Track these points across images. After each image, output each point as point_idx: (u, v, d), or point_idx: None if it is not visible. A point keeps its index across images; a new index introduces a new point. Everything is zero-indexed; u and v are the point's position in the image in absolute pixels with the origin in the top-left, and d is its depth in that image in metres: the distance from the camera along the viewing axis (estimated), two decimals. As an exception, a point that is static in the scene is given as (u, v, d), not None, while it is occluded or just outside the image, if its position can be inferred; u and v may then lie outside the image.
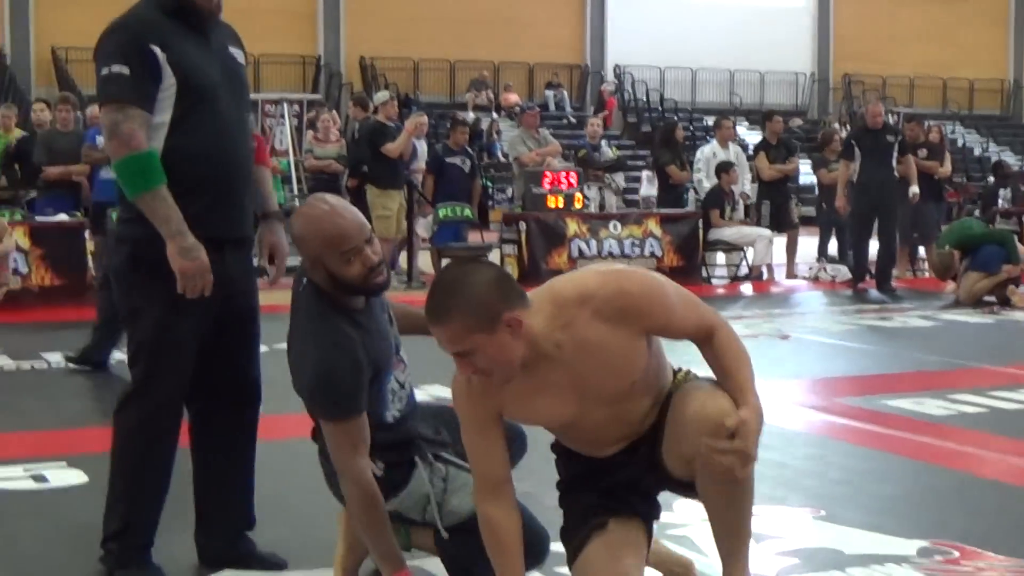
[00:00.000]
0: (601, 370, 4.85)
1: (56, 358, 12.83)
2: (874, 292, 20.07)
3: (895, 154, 20.59)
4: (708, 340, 4.92)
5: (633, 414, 5.00)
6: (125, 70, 5.63)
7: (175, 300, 5.64)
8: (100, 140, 18.90)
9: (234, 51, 6.12)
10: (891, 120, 31.37)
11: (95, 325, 12.59)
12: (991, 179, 33.47)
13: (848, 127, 34.77)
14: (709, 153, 23.00)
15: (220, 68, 5.94)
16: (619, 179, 24.14)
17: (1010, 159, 39.48)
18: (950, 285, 18.98)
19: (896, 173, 20.58)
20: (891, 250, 20.47)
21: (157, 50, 5.66)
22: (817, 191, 24.62)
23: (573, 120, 37.65)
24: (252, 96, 6.17)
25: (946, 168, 22.40)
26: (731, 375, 4.89)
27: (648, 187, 22.90)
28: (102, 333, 12.38)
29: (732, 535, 5.07)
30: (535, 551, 5.53)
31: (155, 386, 5.83)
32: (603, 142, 26.36)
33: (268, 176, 6.59)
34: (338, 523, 5.87)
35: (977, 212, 25.31)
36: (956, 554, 6.35)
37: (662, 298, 4.84)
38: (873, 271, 20.87)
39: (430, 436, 5.81)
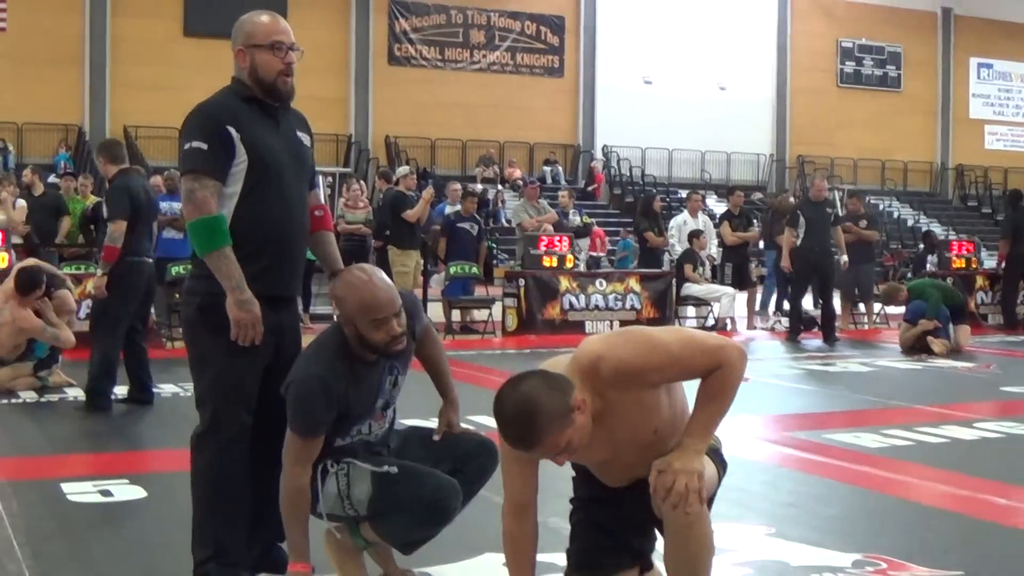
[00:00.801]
0: (625, 424, 4.82)
1: (122, 391, 12.80)
2: (819, 342, 20.07)
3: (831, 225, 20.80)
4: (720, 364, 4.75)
5: (660, 455, 4.84)
6: (204, 146, 5.72)
7: (236, 348, 5.72)
8: (164, 206, 19.13)
9: (301, 135, 6.19)
10: (837, 195, 31.42)
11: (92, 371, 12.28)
12: (921, 246, 33.45)
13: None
14: (681, 221, 23.14)
15: (286, 148, 6.01)
16: (584, 243, 24.18)
17: (937, 230, 39.51)
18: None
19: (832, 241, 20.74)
20: (831, 307, 20.47)
21: (232, 130, 5.76)
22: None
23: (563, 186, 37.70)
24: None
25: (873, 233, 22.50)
26: (693, 415, 4.80)
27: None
28: (100, 375, 12.17)
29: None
30: (437, 508, 5.74)
31: (223, 425, 5.86)
32: (571, 211, 26.41)
33: (333, 240, 6.62)
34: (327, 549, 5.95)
35: (909, 274, 25.25)
36: (884, 566, 6.37)
37: (659, 357, 4.70)
38: (810, 324, 20.96)
39: (342, 447, 5.85)
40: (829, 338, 20.05)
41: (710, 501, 4.90)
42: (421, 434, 6.28)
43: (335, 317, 6.01)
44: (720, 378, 4.69)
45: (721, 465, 5.07)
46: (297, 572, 5.55)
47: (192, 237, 5.77)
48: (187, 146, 5.77)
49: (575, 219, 25.67)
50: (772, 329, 22.21)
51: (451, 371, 6.34)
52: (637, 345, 4.72)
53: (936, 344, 18.02)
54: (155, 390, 12.56)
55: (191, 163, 5.74)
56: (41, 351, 13.63)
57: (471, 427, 6.18)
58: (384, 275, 5.81)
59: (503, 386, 4.60)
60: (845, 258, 21.50)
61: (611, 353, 4.68)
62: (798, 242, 20.24)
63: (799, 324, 20.75)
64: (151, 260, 12.42)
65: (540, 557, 6.41)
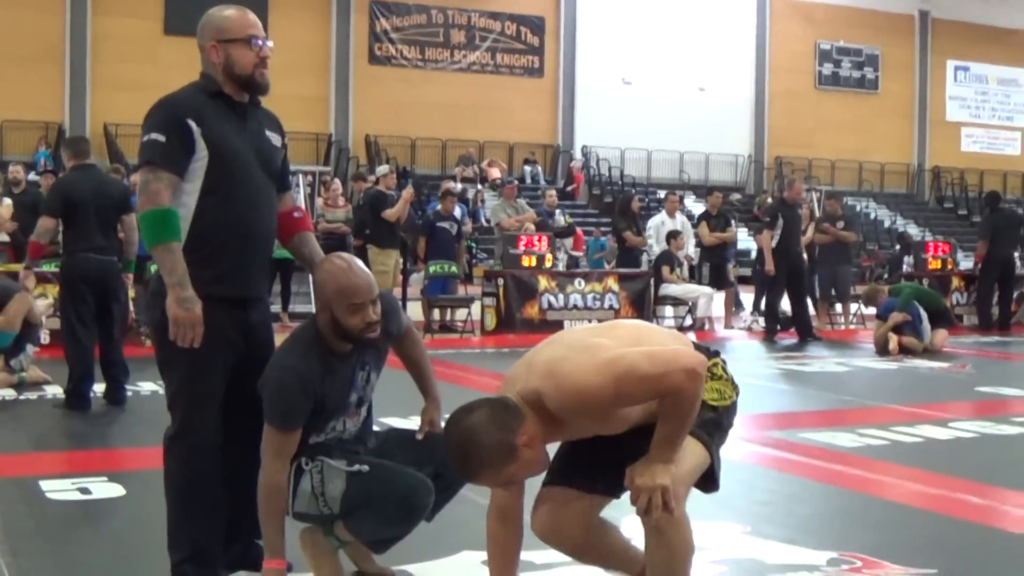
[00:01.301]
0: (597, 427, 4.85)
1: (102, 388, 12.77)
2: (796, 341, 20.12)
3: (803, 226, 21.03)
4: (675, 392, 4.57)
5: (646, 429, 4.82)
6: (162, 138, 5.67)
7: (208, 349, 5.68)
8: (141, 203, 19.02)
9: (271, 134, 6.14)
10: (814, 196, 31.48)
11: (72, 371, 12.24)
12: (898, 247, 33.55)
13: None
14: (659, 222, 23.20)
15: (252, 146, 5.96)
16: (568, 243, 24.16)
17: (913, 231, 39.64)
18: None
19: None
20: (805, 306, 20.55)
21: (193, 124, 5.70)
22: (754, 254, 24.69)
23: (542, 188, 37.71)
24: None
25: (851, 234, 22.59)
26: (657, 429, 4.66)
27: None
28: (75, 376, 12.12)
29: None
30: (409, 506, 5.73)
31: (194, 427, 5.85)
32: (557, 211, 26.44)
33: (314, 240, 6.60)
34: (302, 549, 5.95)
35: (886, 275, 25.32)
36: (859, 564, 6.38)
37: (598, 397, 4.57)
38: (786, 324, 21.03)
39: (317, 444, 5.85)
40: (805, 337, 20.12)
41: (709, 478, 4.92)
42: (403, 436, 6.29)
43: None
44: (671, 403, 4.60)
45: (711, 439, 4.91)
46: (272, 570, 5.55)
47: (141, 228, 5.72)
48: (146, 138, 5.72)
49: (560, 219, 25.70)
50: (750, 329, 22.23)
51: (433, 370, 6.32)
52: (575, 387, 4.57)
53: (893, 342, 18.02)
54: (135, 388, 12.52)
55: (148, 155, 5.68)
56: (4, 341, 13.56)
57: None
58: (362, 264, 5.87)
59: (454, 413, 4.61)
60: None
61: (552, 391, 4.62)
62: (774, 243, 20.33)
63: (775, 324, 20.82)
64: (99, 257, 12.17)
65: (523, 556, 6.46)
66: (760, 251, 21.94)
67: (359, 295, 5.58)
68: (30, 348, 13.79)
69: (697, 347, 5.00)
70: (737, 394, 5.05)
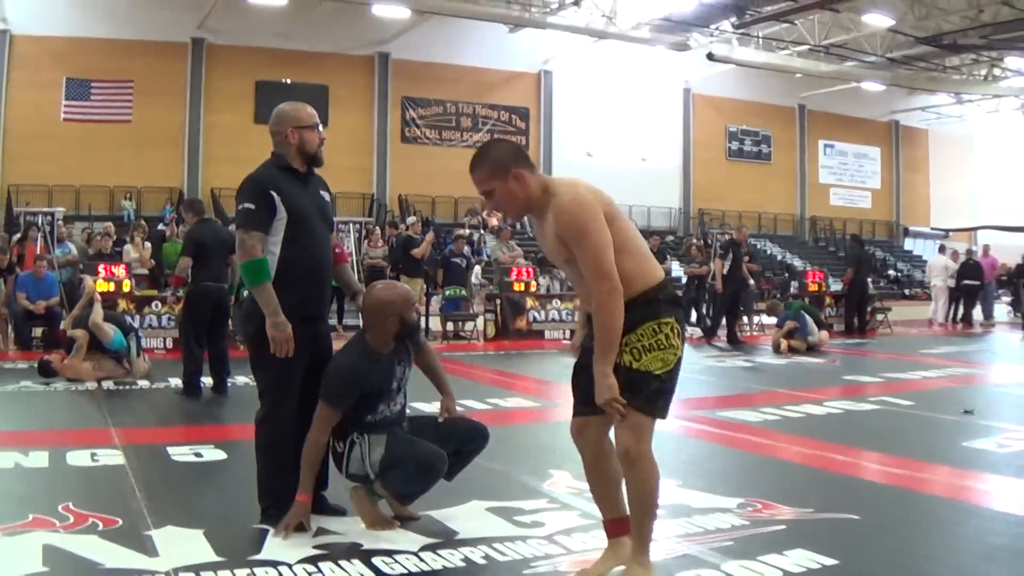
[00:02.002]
0: (546, 240, 4.88)
1: (209, 381, 12.71)
2: (719, 344, 20.12)
3: (748, 260, 21.35)
4: (596, 286, 4.62)
5: (580, 287, 4.89)
6: (252, 206, 5.83)
7: (287, 355, 5.79)
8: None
9: (324, 194, 6.27)
10: (725, 238, 31.49)
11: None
12: (786, 275, 33.57)
13: (704, 241, 34.82)
14: (613, 257, 23.17)
15: (314, 205, 6.10)
16: (562, 273, 23.97)
17: (797, 263, 39.62)
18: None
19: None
20: (741, 319, 20.64)
21: (274, 193, 5.85)
22: (684, 280, 24.78)
23: (531, 235, 37.55)
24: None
25: (754, 265, 22.63)
26: (594, 351, 4.67)
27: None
28: (187, 371, 12.21)
29: (632, 506, 4.90)
30: (427, 467, 5.91)
31: (279, 411, 5.94)
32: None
33: (349, 269, 6.79)
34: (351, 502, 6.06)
35: (778, 295, 25.39)
36: (760, 506, 6.40)
37: (580, 235, 4.62)
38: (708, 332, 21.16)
39: (371, 422, 5.98)
40: (734, 341, 20.21)
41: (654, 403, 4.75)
42: (430, 422, 6.28)
43: (361, 326, 6.14)
44: (595, 308, 4.64)
45: (655, 408, 4.76)
46: (300, 502, 5.71)
47: (243, 274, 5.90)
48: (240, 206, 5.90)
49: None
50: (690, 337, 22.25)
51: (445, 370, 6.52)
52: (577, 217, 4.66)
53: (796, 342, 18.20)
54: (232, 380, 12.49)
55: (243, 219, 5.86)
56: (120, 344, 13.57)
57: (464, 411, 6.20)
58: (402, 284, 6.18)
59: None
60: (752, 283, 22.06)
61: (566, 203, 4.71)
62: (725, 270, 20.56)
63: (716, 329, 20.93)
64: (216, 284, 12.25)
65: (512, 503, 6.47)
66: (689, 278, 22.09)
67: (412, 296, 6.00)
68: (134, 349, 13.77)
69: (670, 300, 4.88)
70: (683, 350, 4.85)
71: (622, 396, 4.66)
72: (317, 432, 5.77)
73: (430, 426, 6.24)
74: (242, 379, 13.04)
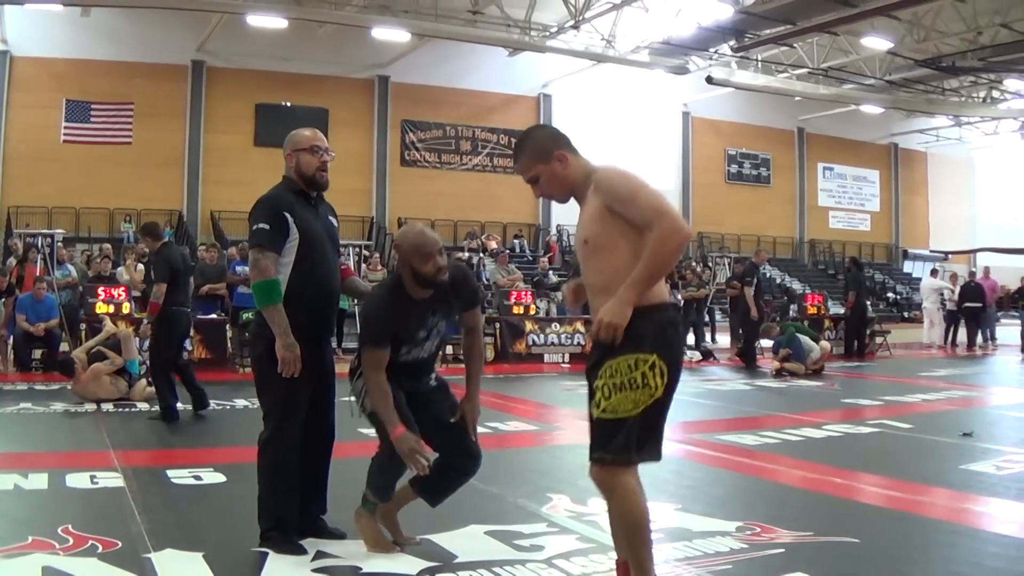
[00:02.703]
0: (583, 220, 4.75)
1: (209, 403, 12.76)
2: (714, 368, 20.12)
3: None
4: (648, 232, 4.39)
5: (587, 274, 4.72)
6: (266, 227, 5.86)
7: (295, 377, 5.80)
8: (239, 269, 19.23)
9: (331, 218, 6.33)
10: (726, 263, 31.52)
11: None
12: (785, 298, 33.56)
13: (703, 265, 34.87)
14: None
15: (324, 228, 6.15)
16: (559, 295, 24.05)
17: (796, 286, 39.60)
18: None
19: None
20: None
21: (287, 215, 5.90)
22: (683, 304, 24.81)
23: (530, 259, 37.61)
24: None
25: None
26: (632, 274, 4.41)
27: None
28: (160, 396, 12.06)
29: (617, 537, 4.70)
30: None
31: (283, 434, 5.94)
32: (550, 272, 26.48)
33: (358, 278, 6.93)
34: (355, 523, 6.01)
35: (777, 317, 25.41)
36: (758, 529, 6.42)
37: (634, 189, 4.51)
38: (706, 355, 21.12)
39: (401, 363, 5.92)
40: (751, 365, 20.17)
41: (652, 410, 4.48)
42: (449, 403, 6.13)
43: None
44: (650, 241, 4.36)
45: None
46: (401, 433, 5.66)
47: (255, 294, 5.90)
48: (254, 227, 5.91)
49: (552, 278, 25.73)
50: (689, 360, 22.21)
51: (480, 376, 6.29)
52: (624, 177, 4.63)
53: (792, 366, 18.21)
54: (230, 403, 12.50)
55: (257, 239, 5.88)
56: (133, 367, 13.75)
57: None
58: (429, 229, 5.98)
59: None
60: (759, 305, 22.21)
61: (612, 173, 4.69)
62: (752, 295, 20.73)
63: (754, 356, 20.90)
64: (186, 309, 12.30)
65: (512, 526, 6.48)
66: (686, 301, 22.13)
67: (429, 246, 5.67)
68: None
69: (662, 330, 4.53)
70: (662, 391, 4.47)
71: (594, 444, 4.50)
72: (373, 376, 5.72)
73: (444, 404, 6.12)
74: (241, 402, 13.08)
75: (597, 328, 4.45)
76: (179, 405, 12.08)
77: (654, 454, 4.58)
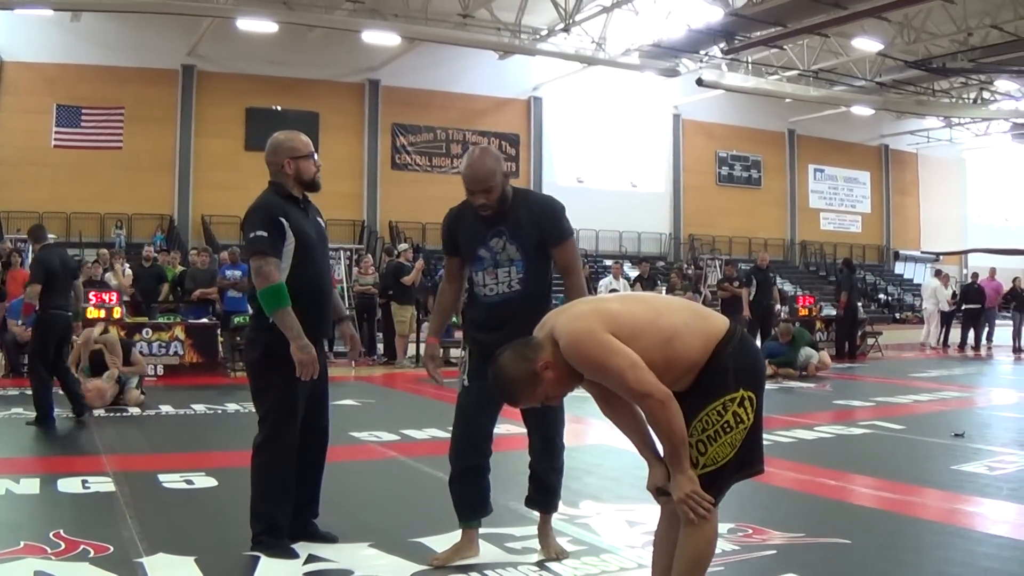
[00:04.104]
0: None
1: (201, 408, 12.77)
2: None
3: (774, 285, 21.43)
4: (639, 406, 4.21)
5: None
6: (264, 233, 5.84)
7: (291, 381, 5.78)
8: (229, 273, 19.24)
9: (320, 220, 6.33)
10: (717, 265, 31.59)
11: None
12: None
13: (694, 268, 34.93)
14: (608, 282, 23.23)
15: (316, 231, 6.17)
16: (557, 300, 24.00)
17: (788, 288, 39.60)
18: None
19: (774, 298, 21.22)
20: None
21: (283, 220, 5.89)
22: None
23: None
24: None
25: (743, 290, 22.45)
26: (664, 452, 4.23)
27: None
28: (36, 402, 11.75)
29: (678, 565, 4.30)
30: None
31: (279, 439, 5.92)
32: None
33: (337, 294, 6.79)
34: None
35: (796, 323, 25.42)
36: (751, 531, 6.43)
37: (599, 375, 4.18)
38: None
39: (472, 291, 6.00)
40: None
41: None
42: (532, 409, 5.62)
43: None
44: (655, 426, 4.18)
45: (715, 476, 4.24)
46: (430, 343, 6.10)
47: (262, 300, 5.85)
48: (252, 234, 5.88)
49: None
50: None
51: (582, 292, 5.81)
52: (595, 357, 4.13)
53: (786, 372, 18.27)
54: (222, 408, 12.47)
55: (258, 246, 5.85)
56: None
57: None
58: (492, 158, 5.86)
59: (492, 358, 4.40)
60: (779, 307, 22.12)
61: (572, 350, 4.17)
62: (751, 297, 20.69)
63: None
64: (64, 312, 11.90)
65: (499, 529, 6.47)
66: (724, 302, 22.19)
67: (470, 184, 5.72)
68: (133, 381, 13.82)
69: (733, 361, 4.26)
70: (754, 418, 4.28)
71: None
72: (443, 285, 6.11)
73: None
74: (232, 406, 13.06)
75: (683, 509, 4.20)
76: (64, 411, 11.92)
77: (757, 470, 4.44)
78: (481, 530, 6.29)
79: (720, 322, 4.38)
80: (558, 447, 5.99)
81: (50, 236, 12.60)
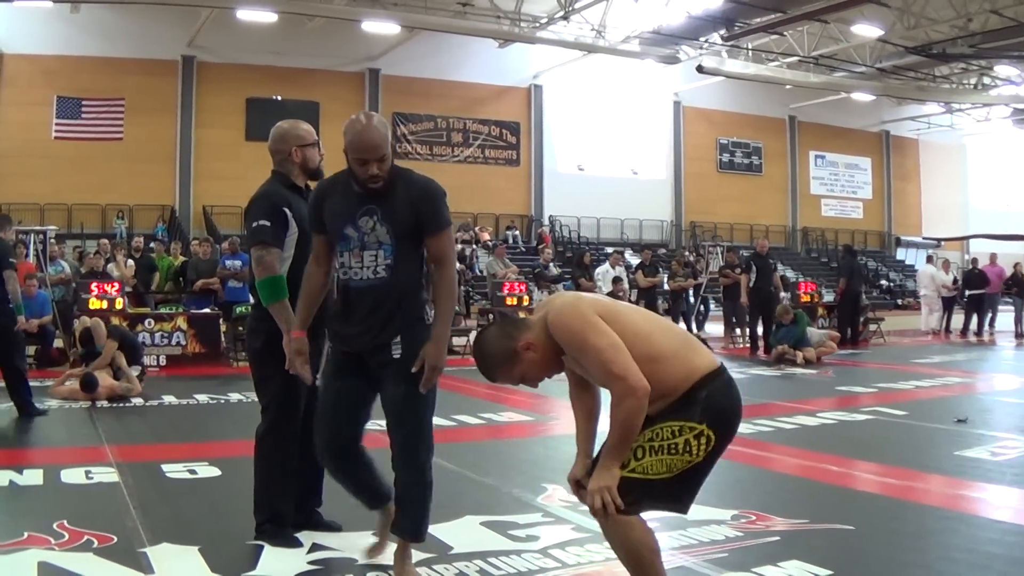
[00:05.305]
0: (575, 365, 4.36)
1: (203, 398, 12.77)
2: (762, 358, 20.10)
3: (775, 271, 21.36)
4: (610, 389, 4.13)
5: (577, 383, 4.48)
6: (267, 223, 5.79)
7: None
8: (229, 263, 19.22)
9: None
10: (719, 252, 31.55)
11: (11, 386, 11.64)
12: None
13: (695, 255, 34.91)
14: (604, 270, 23.32)
15: None
16: (560, 287, 24.04)
17: (790, 274, 39.52)
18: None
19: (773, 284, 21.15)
20: (769, 330, 20.44)
21: (286, 210, 5.85)
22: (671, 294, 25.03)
23: (523, 250, 37.61)
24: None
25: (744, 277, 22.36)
26: (606, 439, 4.20)
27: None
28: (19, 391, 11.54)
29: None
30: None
31: (282, 428, 5.90)
32: (551, 264, 26.48)
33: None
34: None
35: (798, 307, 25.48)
36: (754, 517, 6.44)
37: (580, 353, 4.15)
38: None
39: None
40: (768, 352, 20.00)
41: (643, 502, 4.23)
42: (404, 388, 5.20)
43: None
44: (615, 411, 4.08)
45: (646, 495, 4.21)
46: (296, 337, 5.37)
47: (260, 291, 5.80)
48: (255, 224, 5.83)
49: (553, 270, 25.76)
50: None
51: (448, 314, 5.33)
52: (576, 330, 4.14)
53: (799, 355, 18.32)
54: (224, 397, 12.46)
55: (260, 236, 5.79)
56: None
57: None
58: (379, 124, 5.26)
59: (477, 333, 4.34)
60: (784, 294, 22.08)
61: (556, 323, 4.19)
62: (751, 284, 20.64)
63: (755, 346, 21.01)
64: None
65: (507, 517, 6.47)
66: (725, 288, 22.17)
67: (365, 151, 5.09)
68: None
69: (711, 400, 4.24)
70: (703, 460, 4.24)
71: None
72: (310, 266, 5.46)
73: (386, 404, 5.28)
74: (235, 396, 13.06)
75: (591, 501, 4.20)
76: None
77: (680, 507, 4.38)
78: (484, 517, 6.31)
79: (709, 360, 4.35)
80: (422, 456, 5.29)
81: (50, 228, 12.33)
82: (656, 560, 4.29)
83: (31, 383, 11.84)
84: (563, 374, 4.51)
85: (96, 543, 5.88)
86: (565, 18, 33.25)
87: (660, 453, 4.18)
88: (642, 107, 44.09)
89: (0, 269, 11.30)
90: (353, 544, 5.80)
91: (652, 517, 4.34)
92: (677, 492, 4.28)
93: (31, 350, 17.25)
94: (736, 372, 16.80)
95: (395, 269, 5.16)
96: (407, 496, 5.21)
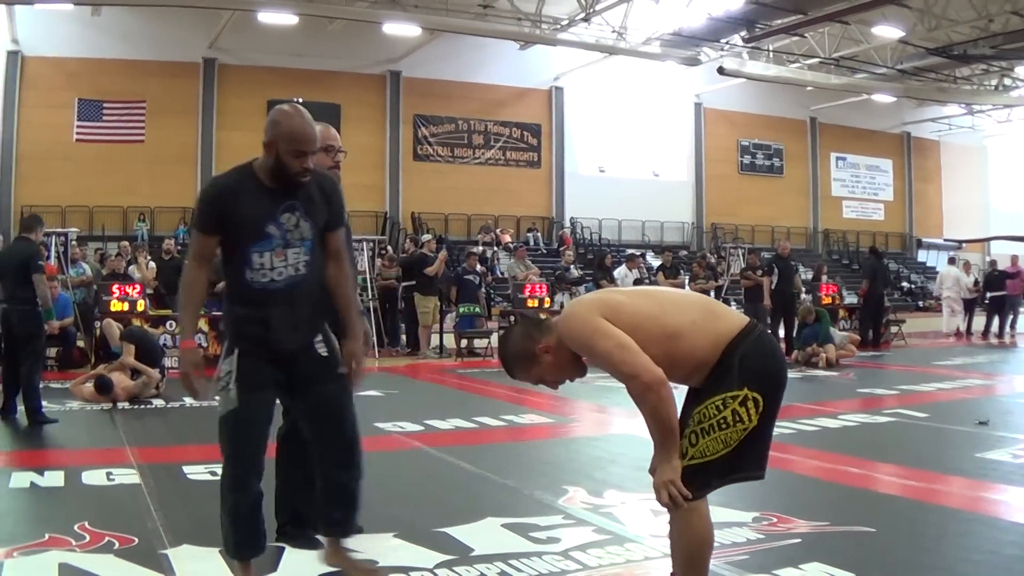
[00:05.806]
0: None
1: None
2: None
3: (796, 273, 21.39)
4: (627, 388, 4.10)
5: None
6: None
7: None
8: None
9: None
10: (740, 254, 31.48)
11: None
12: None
13: (716, 257, 34.87)
14: (622, 273, 23.28)
15: None
16: (581, 289, 24.02)
17: (810, 276, 39.59)
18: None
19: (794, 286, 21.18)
20: (791, 332, 20.35)
21: None
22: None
23: (544, 252, 37.63)
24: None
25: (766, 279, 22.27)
26: (651, 433, 4.14)
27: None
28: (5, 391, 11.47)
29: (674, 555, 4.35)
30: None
31: (301, 429, 5.79)
32: (572, 266, 26.47)
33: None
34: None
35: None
36: (775, 519, 6.41)
37: (587, 353, 4.18)
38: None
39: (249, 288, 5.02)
40: (789, 354, 19.97)
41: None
42: (335, 385, 5.11)
43: None
44: (641, 409, 4.08)
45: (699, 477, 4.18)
46: (188, 348, 4.98)
47: None
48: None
49: (574, 272, 25.76)
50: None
51: (353, 302, 5.26)
52: (583, 337, 4.14)
53: (822, 355, 18.33)
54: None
55: None
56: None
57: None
58: (310, 119, 5.01)
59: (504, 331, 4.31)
60: (805, 296, 22.07)
61: (564, 331, 4.21)
62: (773, 286, 20.61)
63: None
64: (13, 307, 11.25)
65: (527, 519, 6.47)
66: (747, 290, 22.12)
67: (306, 143, 4.89)
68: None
69: (746, 361, 4.19)
70: (757, 420, 4.21)
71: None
72: (190, 263, 5.05)
73: (316, 406, 5.13)
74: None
75: (657, 495, 4.20)
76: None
77: (753, 474, 4.38)
78: (505, 519, 6.30)
79: (734, 321, 4.31)
80: (359, 452, 5.20)
81: (72, 230, 12.33)
82: (708, 554, 4.33)
83: (53, 385, 11.83)
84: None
85: (117, 545, 5.90)
86: (586, 20, 33.23)
87: (712, 432, 4.16)
88: (663, 109, 44.04)
89: (29, 272, 11.08)
90: (374, 546, 5.79)
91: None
92: (742, 462, 4.26)
93: (52, 352, 17.30)
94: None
95: (312, 265, 5.00)
96: (349, 494, 5.15)
